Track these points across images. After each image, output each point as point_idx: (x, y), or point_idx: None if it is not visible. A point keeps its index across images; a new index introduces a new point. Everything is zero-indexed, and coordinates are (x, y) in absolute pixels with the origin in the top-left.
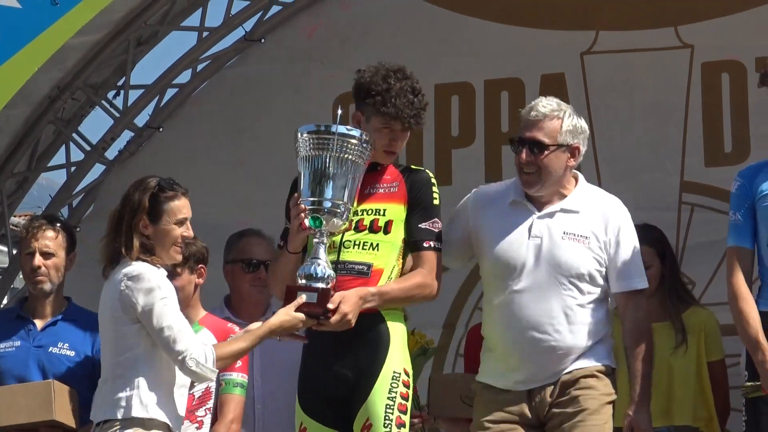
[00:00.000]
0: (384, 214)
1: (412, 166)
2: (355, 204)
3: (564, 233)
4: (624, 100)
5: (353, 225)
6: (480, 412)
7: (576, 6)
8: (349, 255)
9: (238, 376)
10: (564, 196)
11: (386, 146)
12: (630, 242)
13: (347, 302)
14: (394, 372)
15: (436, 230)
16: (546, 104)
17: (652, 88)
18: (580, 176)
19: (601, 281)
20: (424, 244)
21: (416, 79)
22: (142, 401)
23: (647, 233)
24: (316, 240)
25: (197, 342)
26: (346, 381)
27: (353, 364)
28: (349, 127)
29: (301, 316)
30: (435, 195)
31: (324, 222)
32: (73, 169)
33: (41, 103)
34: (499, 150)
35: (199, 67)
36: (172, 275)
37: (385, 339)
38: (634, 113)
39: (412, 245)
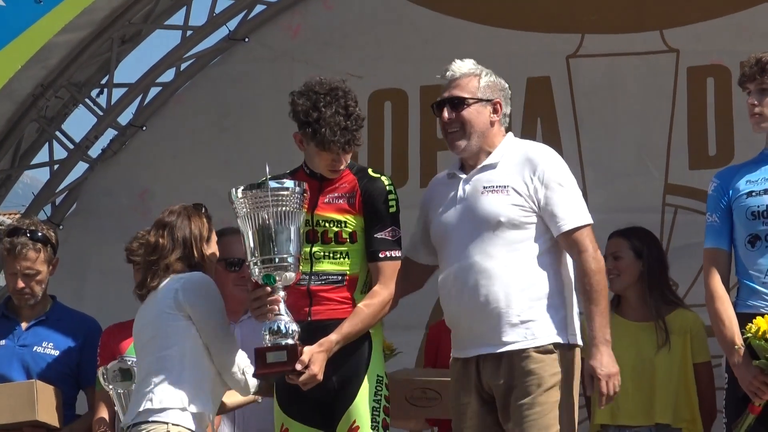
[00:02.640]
0: (346, 226)
1: (370, 172)
2: (311, 214)
3: (483, 188)
4: (609, 104)
5: (319, 237)
6: (451, 392)
7: (562, 9)
8: (321, 265)
9: None
10: (489, 154)
11: (329, 166)
12: (557, 183)
13: (316, 363)
14: (378, 375)
15: (392, 239)
16: (462, 65)
17: (638, 92)
18: (509, 134)
19: (532, 229)
20: (380, 255)
21: (352, 95)
22: (184, 393)
23: (629, 230)
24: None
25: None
26: (329, 385)
27: (336, 370)
28: (281, 180)
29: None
30: (391, 203)
31: (277, 278)
32: (56, 167)
33: (24, 101)
34: None
35: (183, 66)
36: None
37: (367, 345)
38: (619, 116)
39: (368, 255)
